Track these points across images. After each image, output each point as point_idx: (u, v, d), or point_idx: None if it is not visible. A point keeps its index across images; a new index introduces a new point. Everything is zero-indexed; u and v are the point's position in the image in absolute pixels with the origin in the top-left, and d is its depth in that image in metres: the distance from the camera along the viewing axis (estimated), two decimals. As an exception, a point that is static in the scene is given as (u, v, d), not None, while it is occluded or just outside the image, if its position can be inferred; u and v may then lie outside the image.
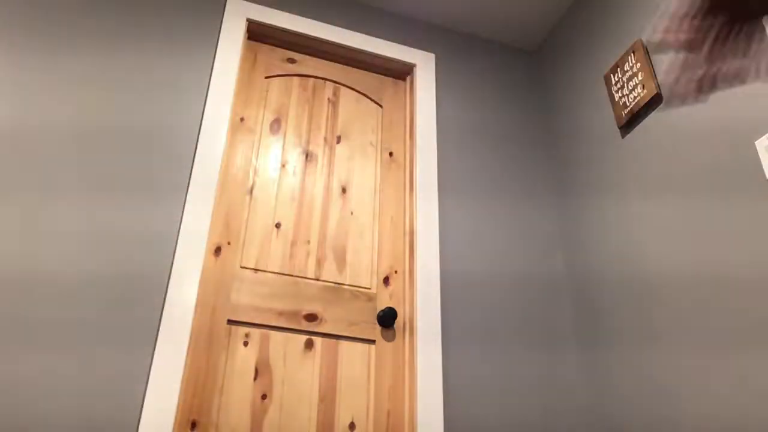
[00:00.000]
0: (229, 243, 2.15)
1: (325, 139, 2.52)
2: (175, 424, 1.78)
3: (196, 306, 2.01)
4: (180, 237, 2.02)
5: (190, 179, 2.12)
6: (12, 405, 1.64)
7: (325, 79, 2.67)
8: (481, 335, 2.25)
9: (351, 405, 2.08)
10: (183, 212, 2.06)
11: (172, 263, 1.97)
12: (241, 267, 2.14)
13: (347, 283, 2.29)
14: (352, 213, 2.42)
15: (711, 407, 1.73)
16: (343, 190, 2.44)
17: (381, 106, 2.73)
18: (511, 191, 2.62)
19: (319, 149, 2.49)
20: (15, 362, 1.69)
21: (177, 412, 1.81)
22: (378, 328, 2.24)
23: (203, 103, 2.27)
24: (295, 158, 2.43)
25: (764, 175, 1.70)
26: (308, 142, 2.49)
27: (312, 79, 2.65)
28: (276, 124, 2.45)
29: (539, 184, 2.69)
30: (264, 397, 1.98)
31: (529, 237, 2.53)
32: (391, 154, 2.62)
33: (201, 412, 1.88)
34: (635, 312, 2.09)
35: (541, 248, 2.52)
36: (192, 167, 2.14)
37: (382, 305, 2.28)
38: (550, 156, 2.77)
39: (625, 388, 2.07)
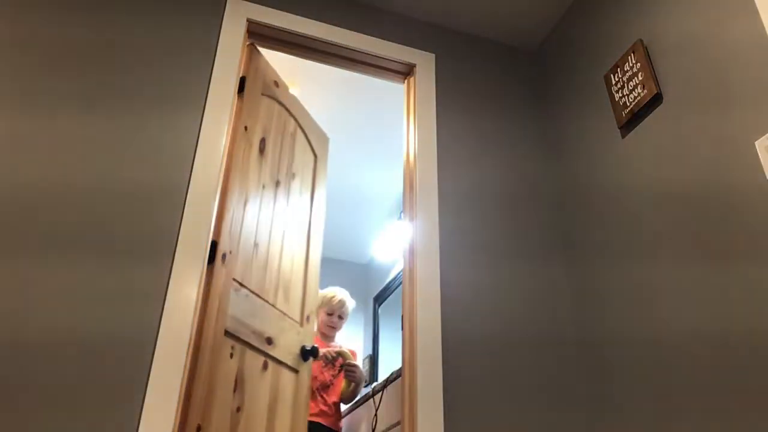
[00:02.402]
0: (230, 252, 2.14)
1: (286, 172, 2.64)
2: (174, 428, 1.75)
3: (200, 310, 1.96)
4: (180, 236, 1.97)
5: (190, 179, 2.07)
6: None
7: (290, 113, 2.76)
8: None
9: (283, 427, 2.27)
10: (183, 213, 2.01)
11: (172, 264, 1.93)
12: (233, 279, 2.13)
13: (289, 315, 2.45)
14: (293, 249, 2.58)
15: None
16: (291, 226, 2.59)
17: (316, 155, 2.92)
18: (511, 196, 2.60)
19: (283, 180, 2.59)
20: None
21: (177, 415, 1.76)
22: (300, 360, 2.46)
23: (203, 102, 2.23)
24: (270, 182, 2.49)
25: (764, 175, 1.69)
26: (278, 171, 2.57)
27: (284, 110, 2.72)
28: (263, 143, 2.49)
29: (540, 187, 2.69)
30: (239, 409, 2.05)
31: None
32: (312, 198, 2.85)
33: (205, 417, 1.86)
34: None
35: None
36: (192, 169, 2.09)
37: (304, 340, 2.51)
38: (550, 158, 2.76)
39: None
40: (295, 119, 2.81)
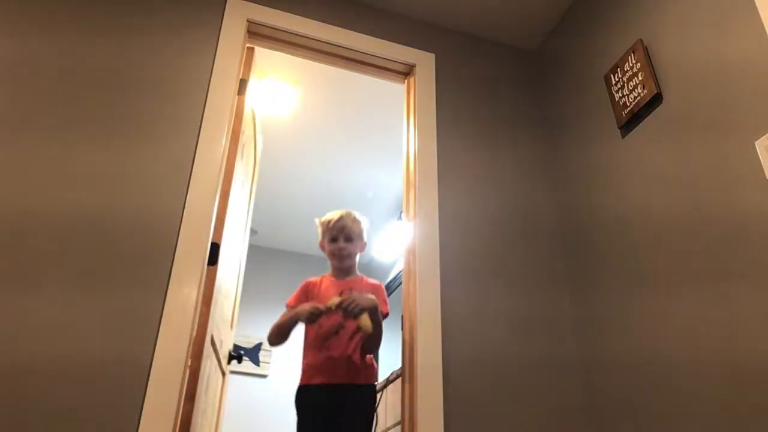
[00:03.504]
0: (223, 254, 2.16)
1: (247, 178, 2.68)
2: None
3: (202, 312, 1.95)
4: (180, 238, 1.97)
5: (189, 182, 2.07)
6: None
7: (254, 120, 2.77)
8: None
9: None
10: (183, 215, 2.00)
11: (171, 267, 1.93)
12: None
13: (228, 318, 2.48)
14: (236, 253, 2.60)
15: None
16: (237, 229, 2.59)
17: (256, 162, 2.98)
18: (511, 197, 2.60)
19: (247, 184, 2.63)
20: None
21: (177, 417, 1.77)
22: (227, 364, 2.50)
23: (204, 103, 2.22)
24: (240, 186, 2.50)
25: (764, 175, 1.69)
26: (243, 175, 2.59)
27: (252, 116, 2.74)
28: (242, 150, 2.49)
29: (540, 187, 2.69)
30: (203, 412, 2.06)
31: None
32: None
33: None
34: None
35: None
36: (192, 170, 2.09)
37: (230, 344, 2.58)
38: (550, 160, 2.76)
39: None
40: (254, 126, 2.82)
